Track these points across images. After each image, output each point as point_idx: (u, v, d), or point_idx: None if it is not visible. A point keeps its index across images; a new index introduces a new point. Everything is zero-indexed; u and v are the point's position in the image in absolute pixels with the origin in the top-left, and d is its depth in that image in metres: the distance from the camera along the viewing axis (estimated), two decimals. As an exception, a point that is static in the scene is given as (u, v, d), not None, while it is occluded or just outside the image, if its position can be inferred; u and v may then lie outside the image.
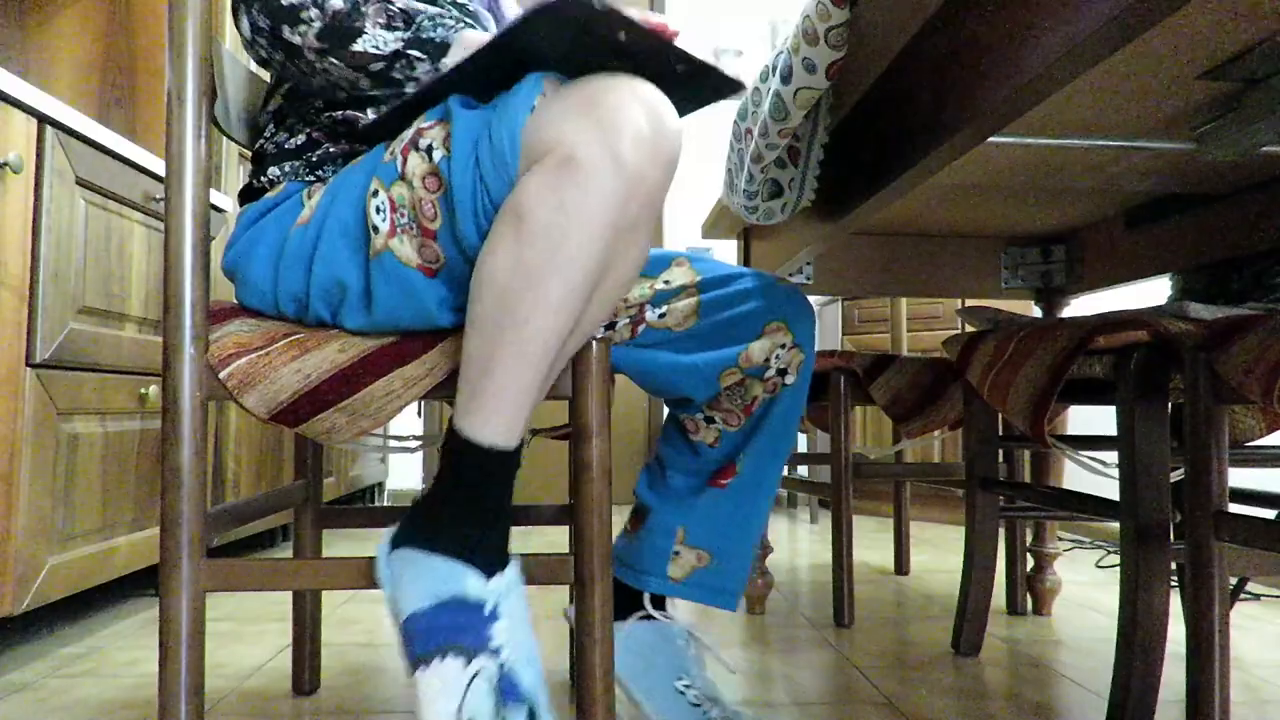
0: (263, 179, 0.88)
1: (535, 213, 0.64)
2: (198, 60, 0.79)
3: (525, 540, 2.56)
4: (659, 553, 1.01)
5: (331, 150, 0.86)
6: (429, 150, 0.72)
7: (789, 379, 0.99)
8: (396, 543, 0.72)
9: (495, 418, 0.69)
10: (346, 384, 0.78)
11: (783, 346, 0.98)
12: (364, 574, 0.80)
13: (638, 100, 0.66)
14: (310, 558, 1.01)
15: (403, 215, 0.74)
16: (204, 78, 0.80)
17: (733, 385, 0.99)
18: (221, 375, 0.78)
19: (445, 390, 0.81)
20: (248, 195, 0.91)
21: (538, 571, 0.81)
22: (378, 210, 0.75)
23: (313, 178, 0.86)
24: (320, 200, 0.82)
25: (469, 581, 0.68)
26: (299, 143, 0.88)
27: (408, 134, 0.76)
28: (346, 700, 1.15)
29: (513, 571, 0.72)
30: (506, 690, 0.66)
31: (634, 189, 0.65)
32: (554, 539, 2.49)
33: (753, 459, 1.01)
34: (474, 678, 0.65)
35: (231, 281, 0.90)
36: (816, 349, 2.97)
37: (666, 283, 0.98)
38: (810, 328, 1.01)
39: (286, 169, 0.87)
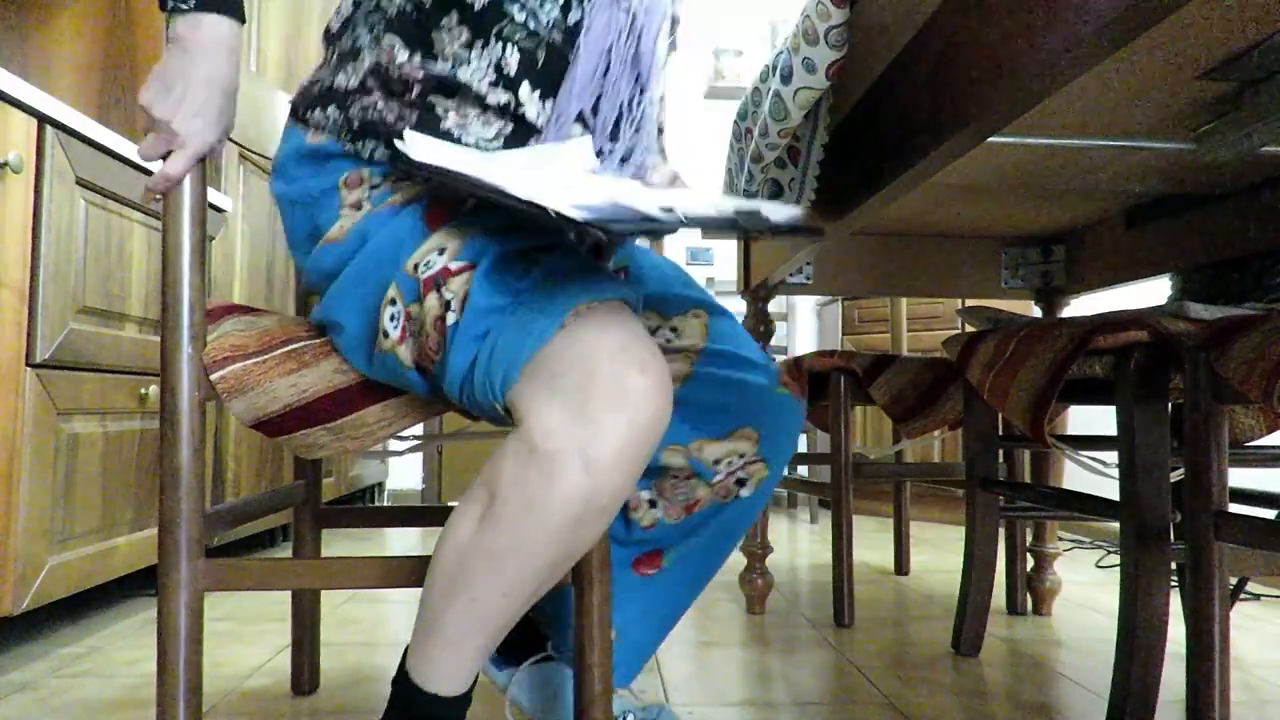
0: (307, 113, 0.79)
1: (506, 498, 0.63)
2: None
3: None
4: (567, 613, 0.97)
5: (380, 108, 0.76)
6: (446, 304, 0.69)
7: (744, 491, 0.93)
8: None
9: (443, 668, 0.69)
10: (340, 406, 0.77)
11: (741, 455, 0.91)
12: (361, 574, 0.80)
13: (633, 395, 0.62)
14: (309, 558, 1.01)
15: (413, 326, 0.72)
16: None
17: (678, 478, 0.92)
18: (214, 378, 0.77)
19: (426, 414, 0.81)
20: (292, 111, 0.83)
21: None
22: (391, 319, 0.73)
23: (351, 147, 0.77)
24: (350, 239, 0.76)
25: None
26: (351, 85, 0.77)
27: (435, 265, 0.70)
28: (346, 700, 1.15)
29: None
30: None
31: (603, 486, 0.62)
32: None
33: (683, 561, 0.95)
34: None
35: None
36: (816, 349, 2.98)
37: (674, 331, 0.90)
38: (789, 444, 0.93)
39: (330, 116, 0.77)
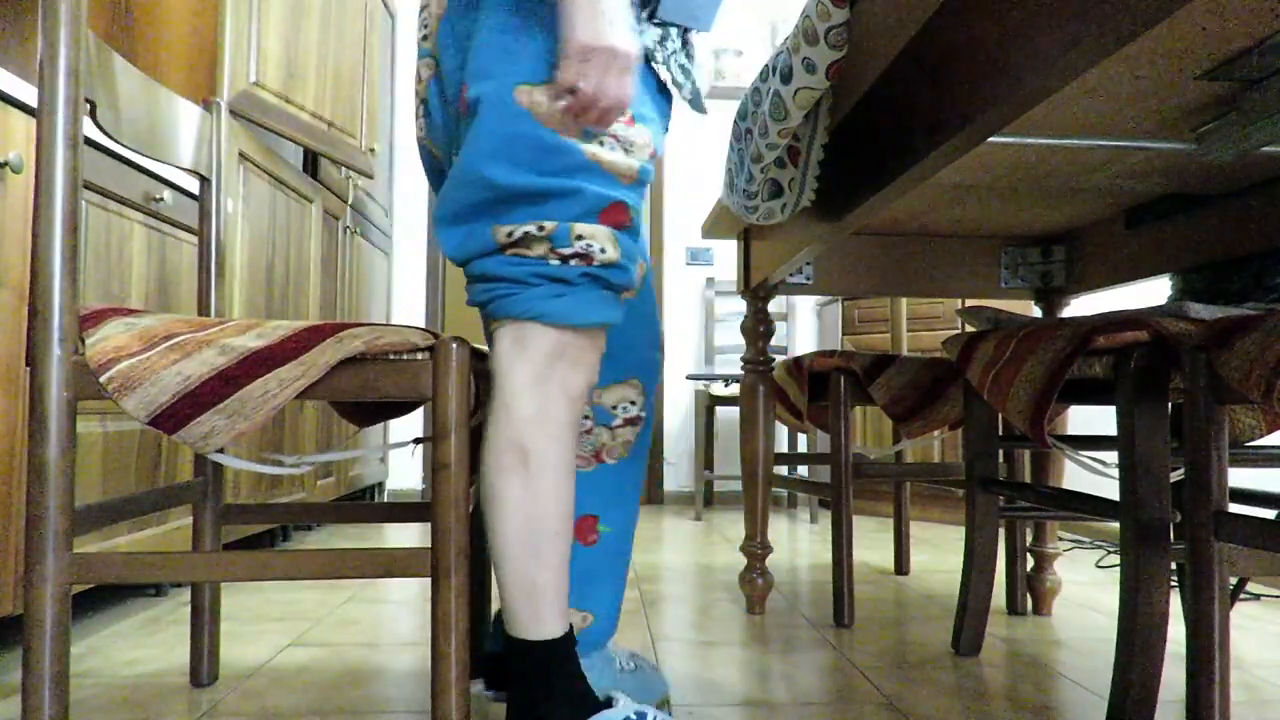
0: None
1: (539, 448, 0.84)
2: (68, 72, 0.83)
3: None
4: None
5: None
6: None
7: (630, 435, 1.07)
8: None
9: (551, 618, 0.86)
10: (225, 385, 0.81)
11: (632, 402, 1.07)
12: (230, 568, 0.84)
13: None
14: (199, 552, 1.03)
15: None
16: (75, 88, 0.84)
17: (585, 431, 1.07)
18: (103, 379, 0.81)
19: (319, 391, 0.84)
20: None
21: (395, 565, 0.85)
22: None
23: None
24: None
25: None
26: None
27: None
28: (346, 700, 1.15)
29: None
30: None
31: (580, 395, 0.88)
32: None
33: (614, 524, 1.08)
34: None
35: None
36: (816, 349, 2.98)
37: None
38: (651, 405, 1.11)
39: None
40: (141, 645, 1.41)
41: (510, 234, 0.83)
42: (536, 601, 0.84)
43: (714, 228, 1.74)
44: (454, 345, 0.86)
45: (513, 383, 0.85)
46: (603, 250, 0.84)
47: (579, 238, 0.82)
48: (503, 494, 0.84)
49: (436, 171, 1.02)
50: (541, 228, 0.82)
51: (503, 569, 0.85)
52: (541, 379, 0.85)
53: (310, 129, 2.22)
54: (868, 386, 1.66)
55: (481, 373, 0.97)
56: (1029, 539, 1.68)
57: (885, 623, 1.60)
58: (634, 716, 0.86)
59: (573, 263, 0.83)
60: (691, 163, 3.76)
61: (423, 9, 0.96)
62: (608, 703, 0.87)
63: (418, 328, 0.89)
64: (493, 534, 0.86)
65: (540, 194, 0.81)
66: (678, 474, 3.68)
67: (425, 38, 0.95)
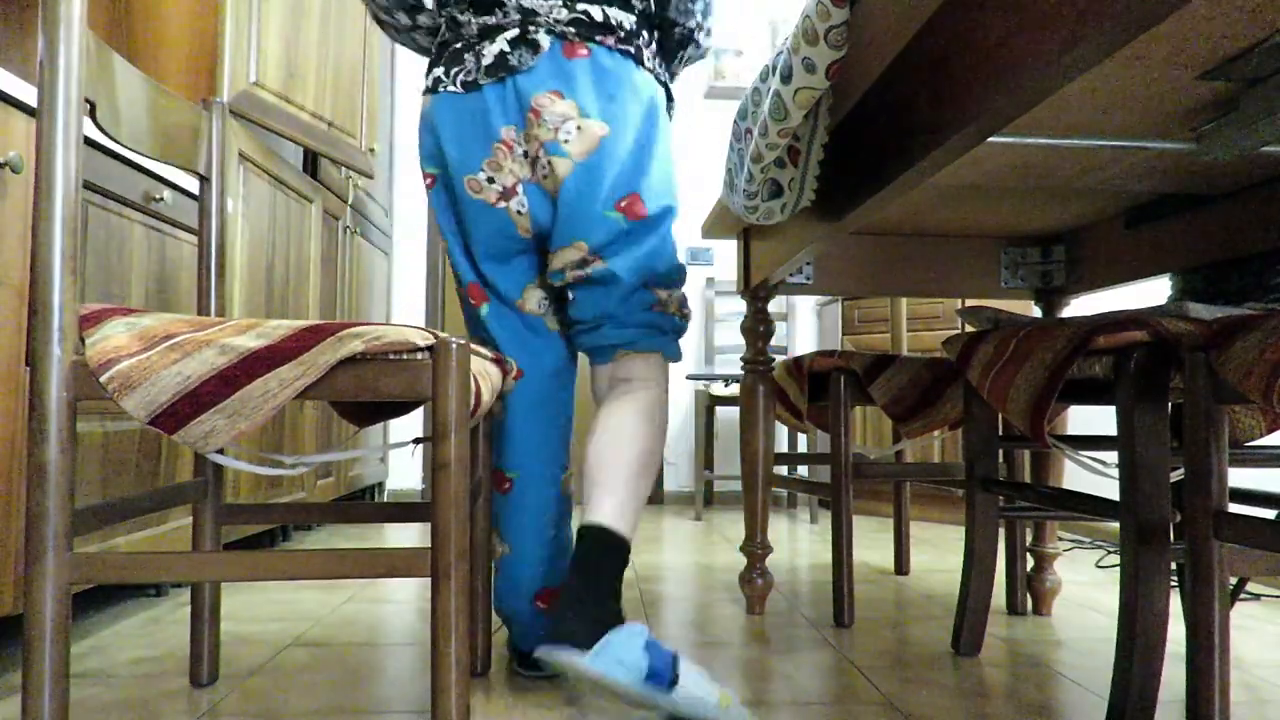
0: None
1: (661, 418, 1.23)
2: (68, 72, 0.84)
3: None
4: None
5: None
6: None
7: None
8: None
9: (634, 522, 1.15)
10: (225, 385, 0.82)
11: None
12: (230, 568, 0.83)
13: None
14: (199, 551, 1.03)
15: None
16: (75, 88, 0.84)
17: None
18: (103, 379, 0.81)
19: (319, 391, 0.84)
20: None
21: (395, 565, 0.85)
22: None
23: None
24: None
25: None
26: None
27: None
28: (346, 700, 1.15)
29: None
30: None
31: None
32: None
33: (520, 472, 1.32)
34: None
35: None
36: (816, 349, 2.98)
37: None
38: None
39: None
40: (141, 645, 1.41)
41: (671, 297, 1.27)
42: (634, 508, 1.14)
43: (714, 228, 1.74)
44: (454, 345, 0.86)
45: (661, 381, 1.27)
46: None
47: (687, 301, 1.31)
48: (637, 431, 1.18)
49: (503, 234, 1.24)
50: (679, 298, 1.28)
51: (619, 479, 1.14)
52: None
53: (310, 129, 2.22)
54: (868, 386, 1.66)
55: (481, 373, 0.97)
56: (1029, 539, 1.68)
57: (885, 623, 1.60)
58: (647, 638, 1.00)
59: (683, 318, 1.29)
60: (691, 163, 3.76)
61: (558, 115, 1.15)
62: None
63: (418, 327, 0.89)
64: (618, 456, 1.15)
65: (683, 276, 1.28)
66: (678, 474, 3.68)
67: (554, 130, 1.15)
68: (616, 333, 1.23)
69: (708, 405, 3.37)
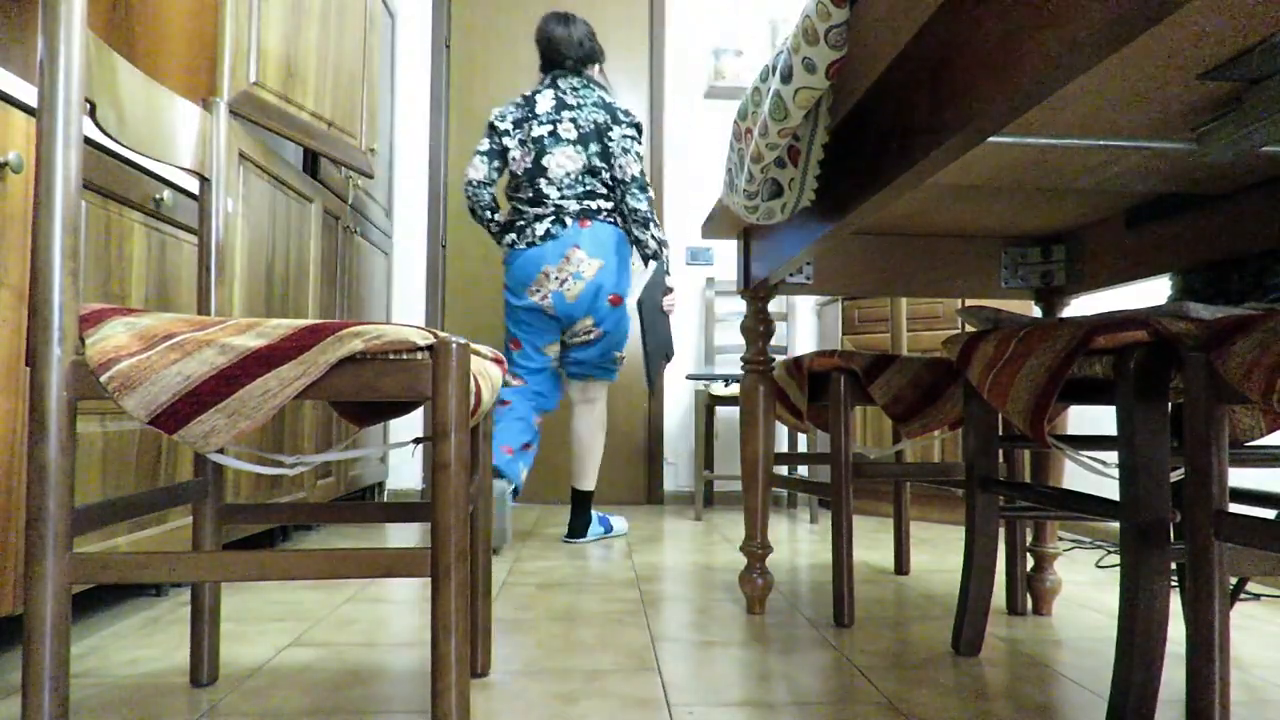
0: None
1: (603, 418, 2.67)
2: (68, 72, 0.84)
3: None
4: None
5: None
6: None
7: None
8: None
9: (593, 479, 2.64)
10: (226, 384, 0.82)
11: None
12: (230, 568, 0.83)
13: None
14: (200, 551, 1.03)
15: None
16: (75, 88, 0.84)
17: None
18: (103, 379, 0.81)
19: (319, 390, 0.84)
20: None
21: (395, 565, 0.85)
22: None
23: None
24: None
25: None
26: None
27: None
28: (346, 700, 1.15)
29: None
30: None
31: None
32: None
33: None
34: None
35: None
36: (816, 349, 2.98)
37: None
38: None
39: None
40: (141, 645, 1.41)
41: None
42: (595, 470, 2.62)
43: (714, 228, 1.74)
44: (454, 345, 0.86)
45: (604, 395, 2.66)
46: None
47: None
48: (595, 432, 2.61)
49: (539, 313, 2.47)
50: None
51: (590, 463, 2.60)
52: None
53: (310, 129, 2.22)
54: (868, 386, 1.66)
55: (481, 372, 0.97)
56: (1029, 539, 1.68)
57: (885, 623, 1.60)
58: (602, 523, 2.65)
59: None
60: (691, 163, 3.76)
61: (577, 258, 2.40)
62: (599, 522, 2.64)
63: (418, 327, 0.89)
64: (590, 454, 2.61)
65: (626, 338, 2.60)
66: (678, 474, 3.67)
67: (576, 265, 2.40)
68: (590, 373, 2.58)
69: (708, 405, 3.36)
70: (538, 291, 2.39)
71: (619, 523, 2.69)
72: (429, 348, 0.87)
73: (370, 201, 3.12)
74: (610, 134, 2.40)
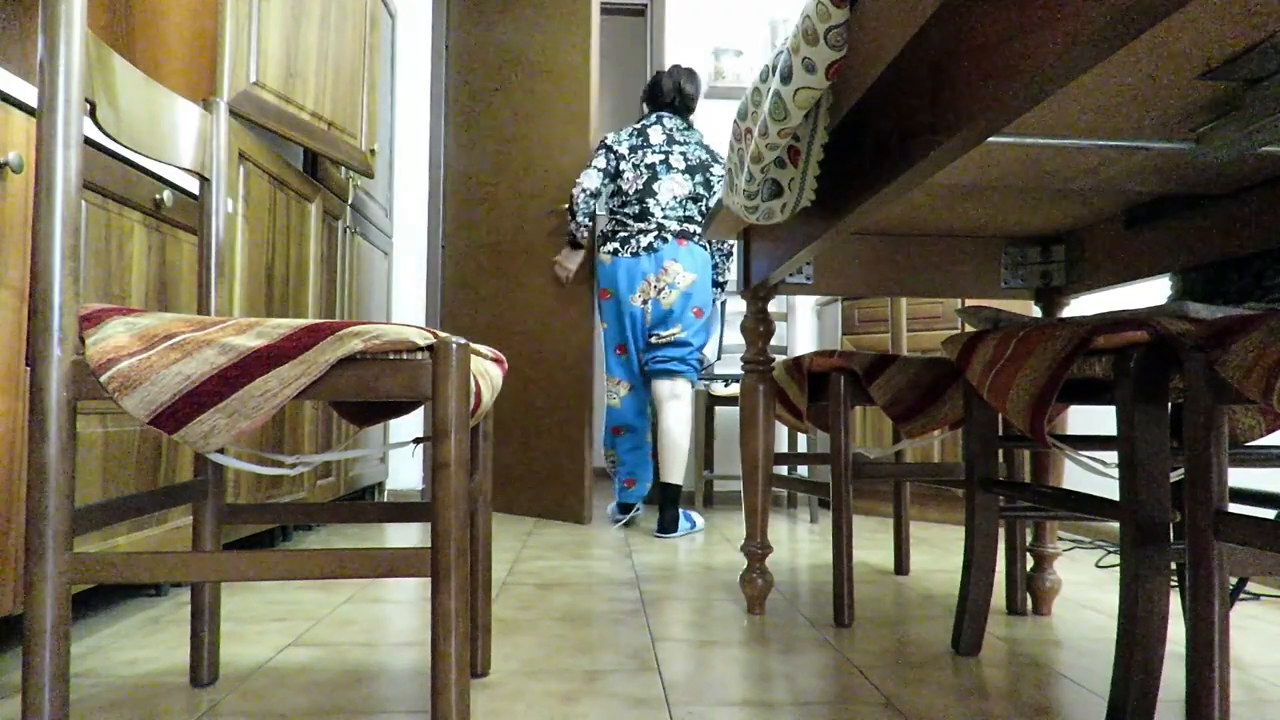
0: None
1: (689, 415, 2.85)
2: (68, 72, 0.84)
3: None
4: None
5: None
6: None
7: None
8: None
9: (680, 474, 2.81)
10: (226, 384, 0.82)
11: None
12: (230, 568, 0.83)
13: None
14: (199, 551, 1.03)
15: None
16: (75, 88, 0.84)
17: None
18: (103, 379, 0.81)
19: (319, 390, 0.84)
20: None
21: (395, 565, 0.85)
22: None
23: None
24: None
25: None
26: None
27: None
28: (346, 700, 1.15)
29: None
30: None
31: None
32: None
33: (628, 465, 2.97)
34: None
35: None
36: (816, 349, 2.98)
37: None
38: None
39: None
40: (141, 645, 1.41)
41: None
42: (682, 467, 2.77)
43: (714, 228, 1.74)
44: (454, 345, 0.86)
45: (689, 393, 2.86)
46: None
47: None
48: (684, 429, 2.79)
49: (639, 318, 2.81)
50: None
51: (679, 458, 2.76)
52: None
53: (310, 129, 2.22)
54: (868, 386, 1.66)
55: (481, 372, 0.97)
56: (1029, 539, 1.68)
57: (885, 623, 1.60)
58: (686, 517, 2.81)
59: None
60: (691, 163, 3.76)
61: (675, 270, 2.77)
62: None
63: (418, 327, 0.89)
64: (679, 449, 2.77)
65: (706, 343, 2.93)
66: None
67: (673, 277, 2.77)
68: (677, 368, 2.79)
69: (708, 405, 3.36)
70: (640, 297, 2.76)
71: (699, 519, 2.85)
72: (429, 348, 0.87)
73: (370, 201, 3.12)
74: (711, 170, 2.84)
